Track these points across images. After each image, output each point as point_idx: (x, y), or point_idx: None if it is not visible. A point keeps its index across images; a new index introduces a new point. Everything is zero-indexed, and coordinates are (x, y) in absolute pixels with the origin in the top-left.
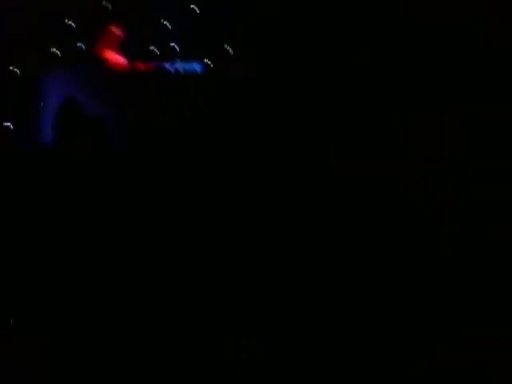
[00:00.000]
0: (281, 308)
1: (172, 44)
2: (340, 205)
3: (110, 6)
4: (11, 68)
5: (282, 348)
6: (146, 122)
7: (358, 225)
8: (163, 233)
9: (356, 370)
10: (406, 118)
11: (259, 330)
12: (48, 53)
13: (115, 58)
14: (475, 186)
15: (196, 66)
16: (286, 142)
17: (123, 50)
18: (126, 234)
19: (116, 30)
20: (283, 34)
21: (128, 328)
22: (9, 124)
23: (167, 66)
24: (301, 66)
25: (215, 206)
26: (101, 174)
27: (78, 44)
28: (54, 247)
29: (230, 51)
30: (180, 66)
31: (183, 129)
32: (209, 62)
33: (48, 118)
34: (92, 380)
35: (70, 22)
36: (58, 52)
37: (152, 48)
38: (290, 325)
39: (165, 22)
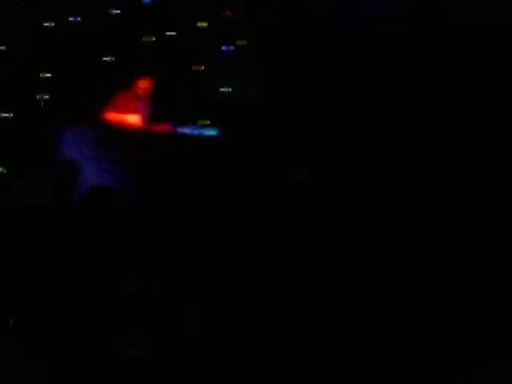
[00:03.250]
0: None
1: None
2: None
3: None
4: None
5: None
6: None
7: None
8: None
9: None
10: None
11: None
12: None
13: (132, 118)
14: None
15: (212, 132)
16: None
17: (141, 110)
18: None
19: (137, 91)
20: None
21: (123, 328)
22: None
23: (182, 129)
24: None
25: None
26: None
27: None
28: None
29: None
30: (195, 130)
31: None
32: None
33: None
34: (91, 380)
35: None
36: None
37: (169, 110)
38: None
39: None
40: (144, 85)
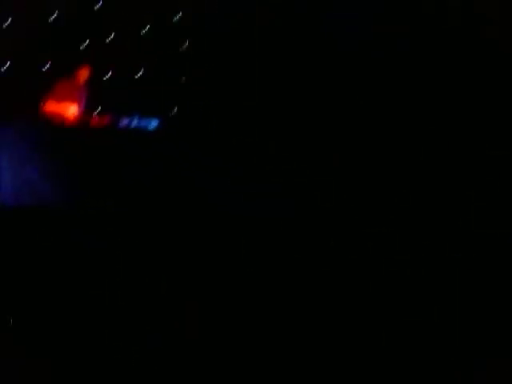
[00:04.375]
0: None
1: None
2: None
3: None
4: None
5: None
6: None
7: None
8: None
9: None
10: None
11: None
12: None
13: (70, 109)
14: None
15: (153, 123)
16: None
17: (80, 100)
18: None
19: (76, 80)
20: None
21: (124, 328)
22: None
23: (123, 121)
24: None
25: None
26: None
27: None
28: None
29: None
30: (136, 121)
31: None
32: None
33: None
34: (91, 380)
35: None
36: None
37: (110, 101)
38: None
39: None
40: (84, 74)
